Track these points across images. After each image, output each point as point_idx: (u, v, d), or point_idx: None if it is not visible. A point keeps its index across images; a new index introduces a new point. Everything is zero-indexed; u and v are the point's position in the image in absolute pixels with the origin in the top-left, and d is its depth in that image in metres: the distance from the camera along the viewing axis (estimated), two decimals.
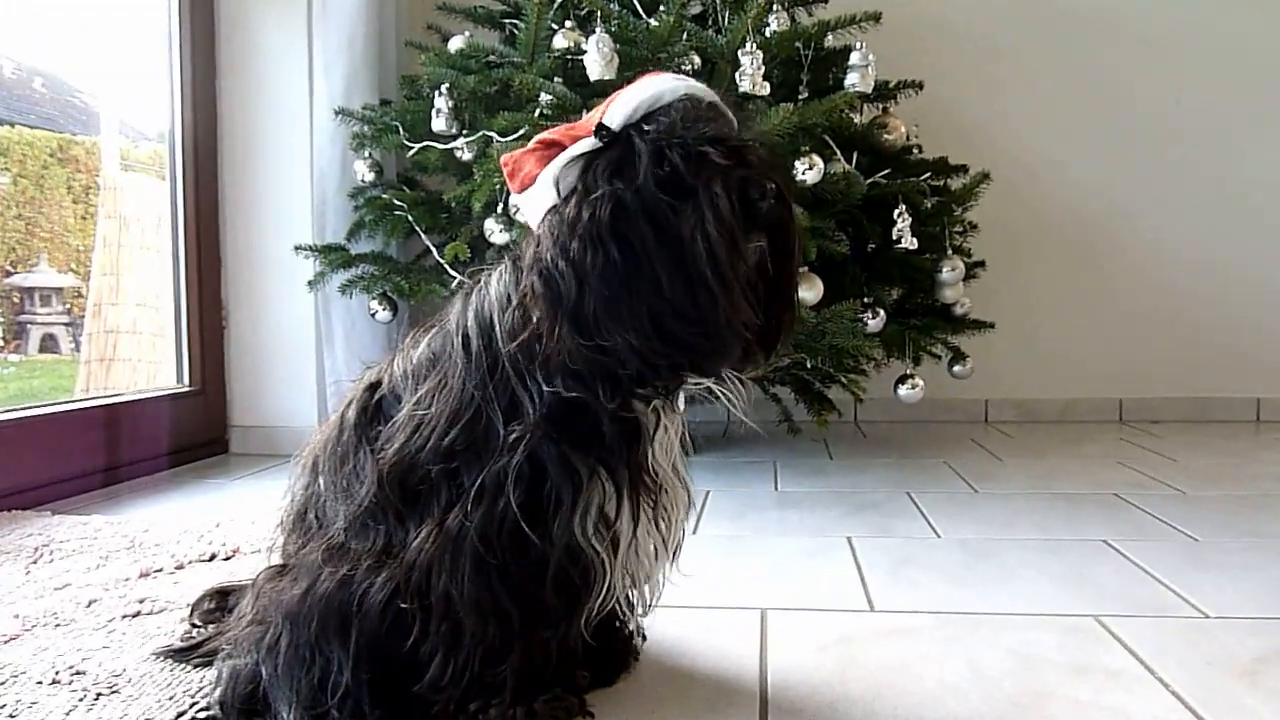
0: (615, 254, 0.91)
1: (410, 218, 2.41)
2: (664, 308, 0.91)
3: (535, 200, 0.99)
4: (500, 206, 2.17)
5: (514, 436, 0.97)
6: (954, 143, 2.98)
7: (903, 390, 2.47)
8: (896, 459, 2.53)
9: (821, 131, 2.17)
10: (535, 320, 0.96)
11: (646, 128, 0.94)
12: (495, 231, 2.15)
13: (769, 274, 0.98)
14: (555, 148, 0.97)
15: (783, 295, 1.00)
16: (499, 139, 2.14)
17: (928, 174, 2.47)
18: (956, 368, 2.59)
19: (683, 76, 0.99)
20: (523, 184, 1.00)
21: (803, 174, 2.05)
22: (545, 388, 0.98)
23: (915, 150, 2.56)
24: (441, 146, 2.32)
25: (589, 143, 0.96)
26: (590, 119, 0.98)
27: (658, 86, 0.96)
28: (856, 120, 2.34)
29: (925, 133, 2.77)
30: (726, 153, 0.94)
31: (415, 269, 2.46)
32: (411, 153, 2.40)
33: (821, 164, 2.07)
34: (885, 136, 2.35)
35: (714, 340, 0.93)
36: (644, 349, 0.93)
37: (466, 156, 2.27)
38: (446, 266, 2.30)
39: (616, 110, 0.96)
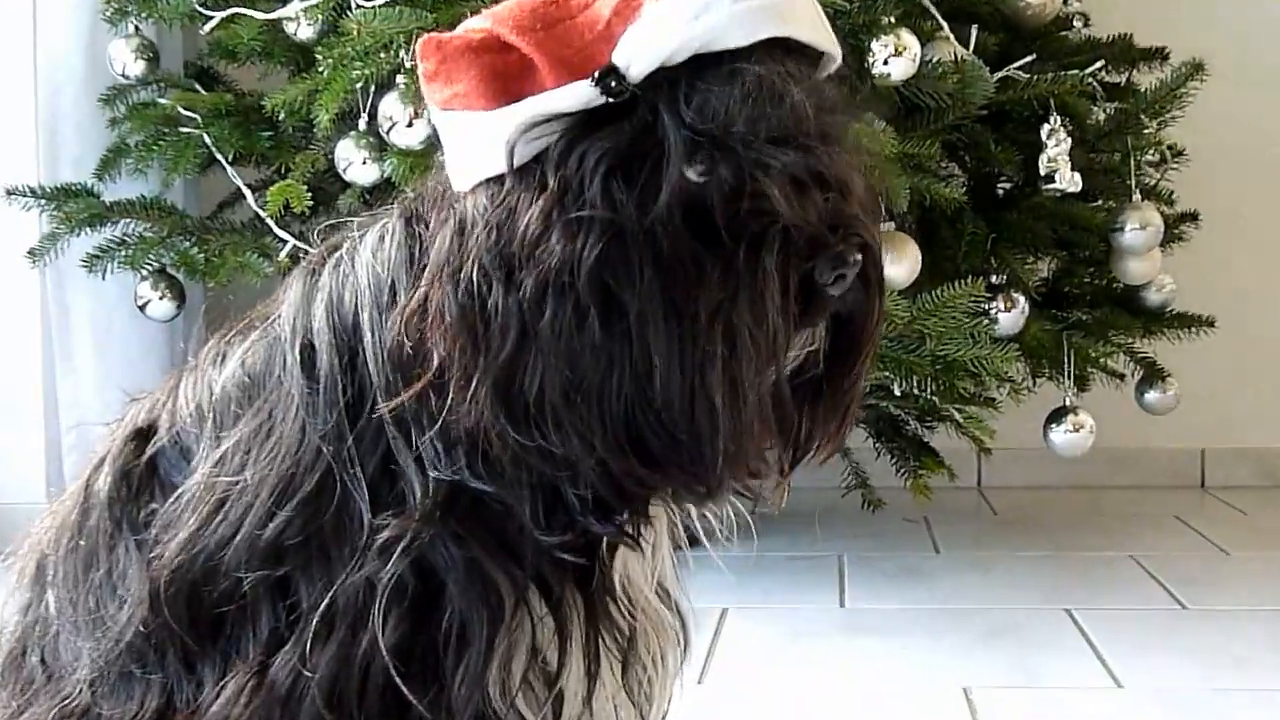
0: (593, 318, 0.92)
1: (208, 138, 2.40)
2: (648, 414, 0.93)
3: (467, 142, 0.99)
4: (365, 118, 2.17)
5: (390, 529, 0.98)
6: (1144, 11, 2.99)
7: (1058, 434, 2.48)
8: (1048, 551, 2.55)
9: None
10: (435, 360, 0.96)
11: (687, 102, 0.93)
12: (356, 163, 2.16)
13: (820, 376, 1.01)
14: (520, 62, 0.96)
15: (835, 405, 1.02)
16: (362, 2, 2.14)
17: (1099, 64, 2.49)
18: (1151, 395, 2.60)
19: None
20: (449, 103, 0.99)
21: (883, 64, 2.06)
22: (440, 466, 0.98)
23: (1078, 24, 2.58)
24: (261, 15, 2.32)
25: (582, 91, 0.94)
26: (593, 11, 0.97)
27: (717, 13, 0.94)
28: None
29: None
30: (800, 192, 0.94)
31: (217, 227, 2.45)
32: (209, 26, 2.40)
33: (916, 46, 2.09)
34: (1025, 1, 2.37)
35: (700, 475, 0.95)
36: (613, 464, 0.94)
37: (305, 33, 2.26)
38: (271, 223, 2.29)
39: (644, 38, 0.94)
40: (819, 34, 0.98)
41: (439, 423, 0.97)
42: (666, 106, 0.93)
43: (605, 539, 1.02)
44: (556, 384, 0.93)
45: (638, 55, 0.93)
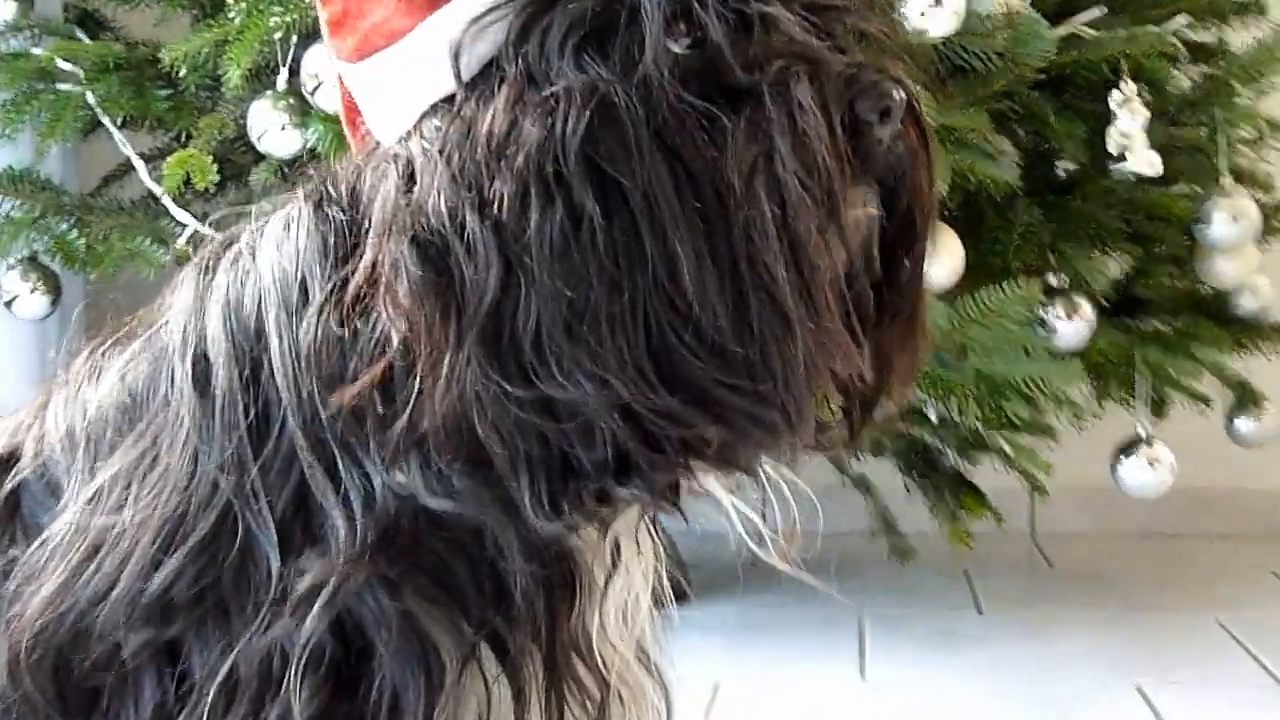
0: (592, 213, 0.92)
1: (91, 97, 2.40)
2: (682, 329, 0.92)
3: (396, 82, 0.99)
4: (285, 75, 2.17)
5: (308, 576, 0.97)
6: None
7: (1129, 470, 2.49)
8: (1115, 612, 2.55)
9: None
10: (393, 343, 0.96)
11: None
12: (273, 129, 2.16)
13: (880, 268, 1.00)
14: None
15: (903, 310, 1.02)
16: None
17: (1183, 19, 2.50)
18: (1243, 423, 2.61)
19: None
20: (364, 45, 1.00)
21: (919, 16, 2.07)
22: (383, 481, 0.98)
23: None
24: None
25: None
26: None
27: None
28: None
29: None
30: (818, 22, 0.95)
31: (101, 207, 2.46)
32: None
33: None
34: None
35: (775, 401, 0.94)
36: (639, 404, 0.93)
37: None
38: (168, 201, 2.29)
39: None
40: None
41: (389, 430, 0.97)
42: None
43: (601, 531, 1.03)
44: (558, 315, 0.92)
45: None
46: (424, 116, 0.97)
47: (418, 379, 0.95)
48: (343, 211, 1.01)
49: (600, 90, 0.92)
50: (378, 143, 1.01)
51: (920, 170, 1.00)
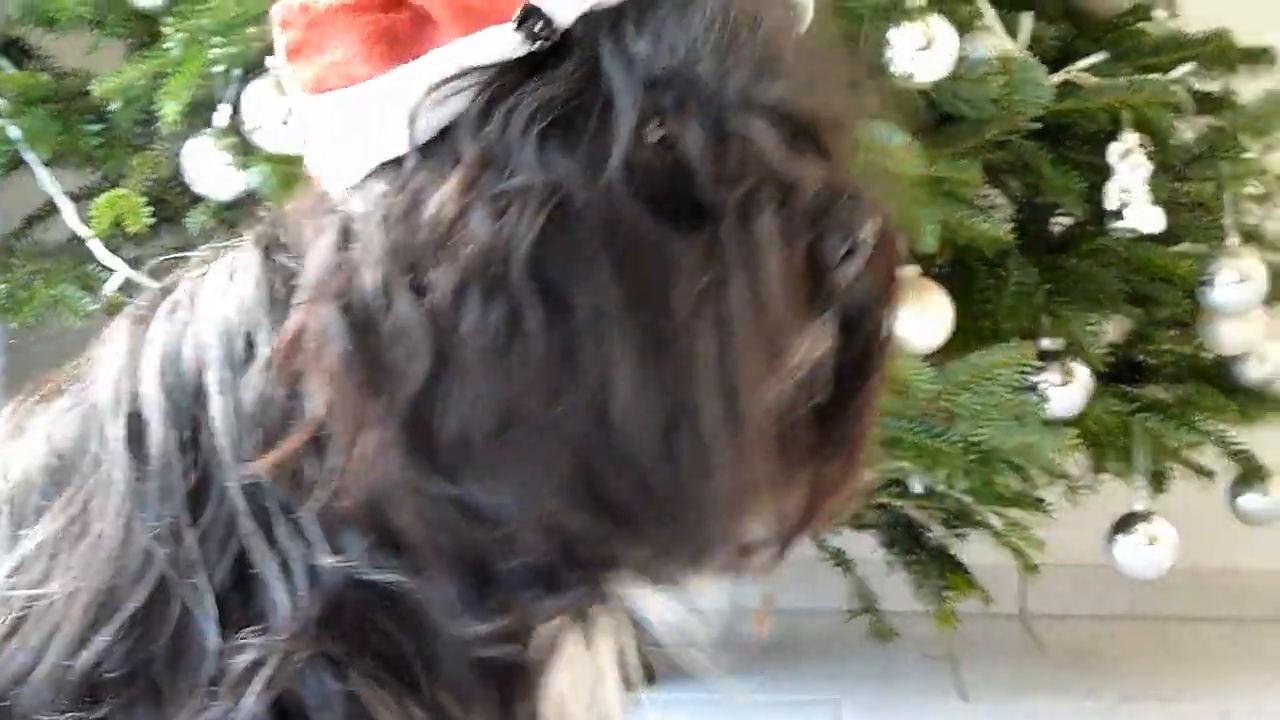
0: (533, 321, 0.92)
1: (15, 131, 2.40)
2: (608, 449, 0.93)
3: (346, 127, 0.99)
4: (225, 112, 2.17)
5: (246, 657, 0.97)
6: (1244, 1, 3.03)
7: (1127, 548, 2.49)
8: (1111, 701, 2.56)
9: None
10: (317, 409, 0.96)
11: (635, 37, 0.95)
12: (212, 170, 2.16)
13: (829, 394, 1.02)
14: (413, 18, 0.97)
15: (844, 439, 1.04)
16: None
17: (1188, 67, 2.52)
18: (1248, 499, 2.61)
19: None
20: (319, 81, 1.00)
21: (908, 60, 2.08)
22: (321, 556, 0.98)
23: (1161, 14, 2.61)
24: None
25: (501, 39, 0.95)
26: None
27: None
28: None
29: None
30: (795, 141, 0.96)
31: (23, 249, 2.46)
32: None
33: (953, 38, 2.11)
34: None
35: (684, 530, 0.96)
36: (560, 520, 0.94)
37: None
38: (97, 245, 2.28)
39: None
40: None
41: (319, 500, 0.97)
42: (610, 46, 0.95)
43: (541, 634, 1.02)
44: (484, 418, 0.92)
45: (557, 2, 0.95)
46: (371, 174, 0.97)
47: (337, 454, 0.95)
48: (293, 260, 1.01)
49: (559, 193, 0.93)
50: (323, 187, 1.01)
51: (883, 308, 1.02)
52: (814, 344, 0.99)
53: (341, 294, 0.94)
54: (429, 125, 0.96)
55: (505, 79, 0.95)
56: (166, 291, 1.07)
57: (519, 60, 0.95)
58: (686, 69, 0.94)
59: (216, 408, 1.01)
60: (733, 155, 0.95)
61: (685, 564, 0.99)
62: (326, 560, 0.98)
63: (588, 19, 0.95)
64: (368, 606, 0.99)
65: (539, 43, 0.95)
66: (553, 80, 0.94)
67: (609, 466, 0.93)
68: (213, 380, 1.01)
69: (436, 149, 0.96)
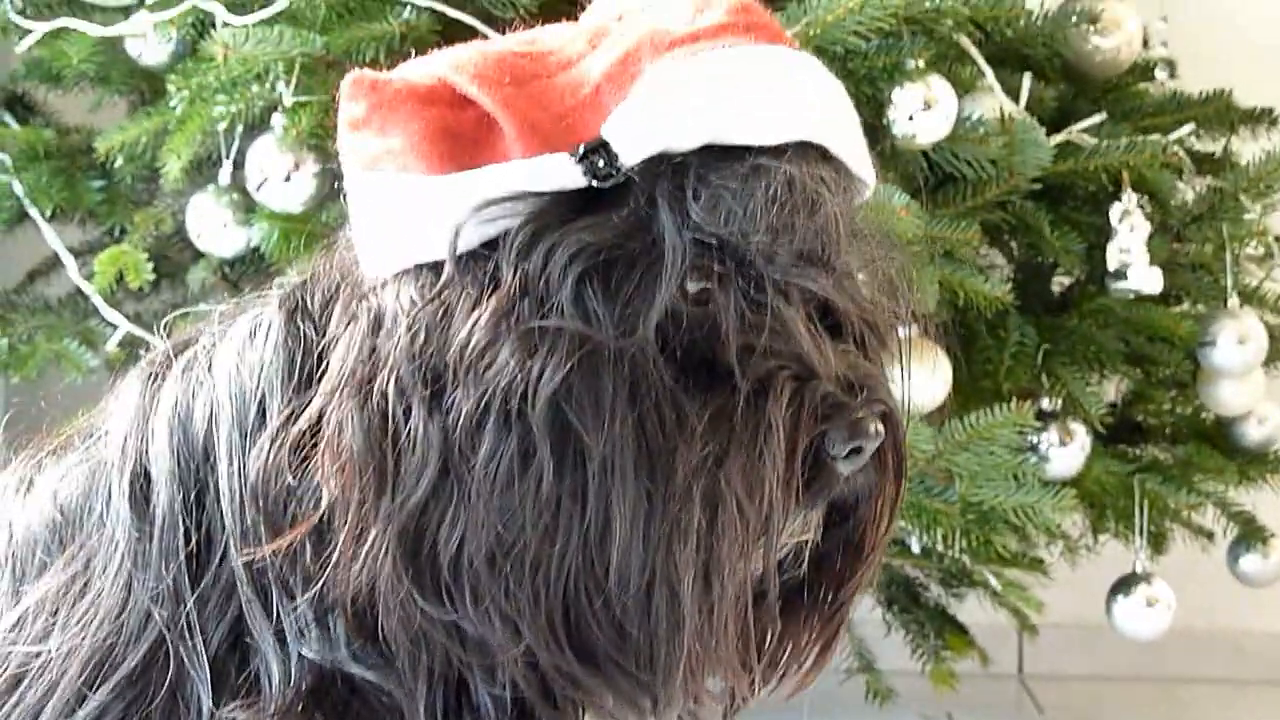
0: (545, 462, 0.93)
1: (19, 186, 2.40)
2: (595, 595, 0.94)
3: (393, 214, 0.99)
4: (228, 169, 2.17)
5: None
6: (1245, 62, 3.04)
7: (1126, 609, 2.48)
8: None
9: (952, 25, 2.22)
10: (323, 500, 0.97)
11: (695, 196, 0.95)
12: (214, 226, 2.16)
13: (804, 579, 1.05)
14: (478, 122, 0.96)
15: (821, 621, 1.07)
16: (231, 19, 2.15)
17: (1188, 128, 2.53)
18: (1248, 560, 2.60)
19: (799, 63, 1.00)
20: (375, 161, 1.00)
21: (908, 120, 2.09)
22: (308, 642, 0.98)
23: (1161, 75, 2.62)
24: (97, 30, 2.32)
25: (560, 168, 0.95)
26: (578, 71, 0.98)
27: (742, 97, 0.97)
28: (1031, 6, 2.39)
29: (1181, 39, 2.84)
30: (824, 331, 0.99)
31: (25, 304, 2.46)
32: (27, 42, 2.40)
33: (952, 99, 2.11)
34: (1094, 44, 2.40)
35: (647, 684, 0.97)
36: (542, 656, 0.95)
37: (153, 55, 2.27)
38: (99, 300, 2.29)
39: (645, 113, 0.95)
40: (855, 154, 1.02)
41: (314, 585, 0.97)
42: (667, 199, 0.95)
43: None
44: (482, 543, 0.93)
45: (635, 133, 0.94)
46: (408, 271, 0.97)
47: (338, 546, 0.96)
48: (316, 330, 1.02)
49: (591, 340, 0.93)
50: (359, 266, 1.01)
51: (880, 503, 1.04)
52: (802, 528, 1.01)
53: (364, 390, 0.95)
54: (472, 239, 0.96)
55: (557, 211, 0.95)
56: (181, 348, 1.07)
57: (572, 194, 0.95)
58: (738, 238, 0.95)
59: (224, 471, 1.01)
60: (763, 331, 0.96)
61: (645, 711, 1.00)
62: (310, 648, 0.98)
63: (651, 164, 0.95)
64: (357, 686, 0.99)
65: (598, 181, 0.95)
66: (603, 224, 0.94)
67: (593, 612, 0.94)
68: (222, 443, 1.01)
69: (475, 263, 0.96)
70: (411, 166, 0.97)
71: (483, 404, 0.92)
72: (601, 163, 0.94)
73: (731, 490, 0.94)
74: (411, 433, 0.93)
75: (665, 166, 0.95)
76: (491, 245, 0.96)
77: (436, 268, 0.96)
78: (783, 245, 0.96)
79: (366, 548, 0.94)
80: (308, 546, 0.98)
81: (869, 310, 1.02)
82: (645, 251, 0.94)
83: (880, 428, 0.98)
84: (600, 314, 0.94)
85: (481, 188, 0.95)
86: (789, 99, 0.97)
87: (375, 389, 0.94)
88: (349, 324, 0.98)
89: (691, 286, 0.95)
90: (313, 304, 1.03)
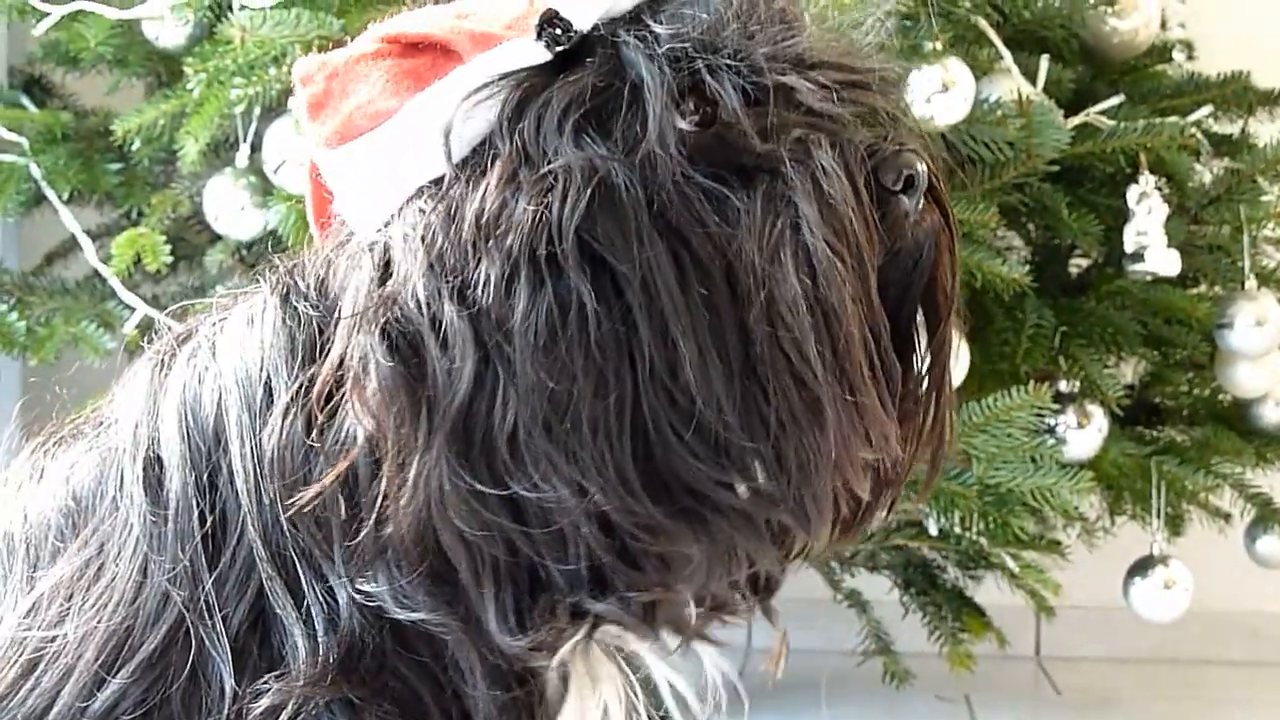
0: (586, 300, 0.92)
1: (36, 170, 2.40)
2: (681, 427, 0.93)
3: (379, 166, 1.00)
4: (245, 151, 2.18)
5: (264, 701, 0.97)
6: (1264, 43, 3.03)
7: (1143, 591, 2.48)
8: None
9: (970, 6, 2.21)
10: (356, 441, 0.96)
11: (655, 27, 0.97)
12: (232, 209, 2.16)
13: (906, 338, 1.04)
14: (434, 57, 0.97)
15: (928, 388, 1.06)
16: (248, 1, 2.15)
17: (1206, 110, 2.52)
18: (1266, 542, 2.61)
19: None
20: (347, 128, 1.01)
21: (925, 103, 2.08)
22: (348, 596, 0.98)
23: (1179, 57, 2.62)
24: (115, 13, 2.33)
25: (525, 49, 0.96)
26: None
27: None
28: None
29: (1199, 20, 2.83)
30: (836, 88, 0.98)
31: (43, 286, 2.46)
32: (44, 25, 2.40)
33: (970, 81, 2.11)
34: (1111, 26, 2.40)
35: (787, 500, 0.95)
36: (619, 514, 0.93)
37: (170, 38, 2.28)
38: (116, 283, 2.29)
39: None
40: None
41: (348, 532, 0.97)
42: (630, 36, 0.96)
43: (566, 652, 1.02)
44: (537, 410, 0.92)
45: (576, 6, 0.97)
46: (408, 202, 0.98)
47: (383, 481, 0.95)
48: (312, 307, 1.02)
49: (600, 170, 0.93)
50: (350, 234, 1.02)
51: (944, 251, 1.04)
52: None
53: (381, 314, 0.95)
54: (464, 138, 0.97)
55: (535, 82, 0.96)
56: (185, 336, 1.07)
57: (543, 67, 0.97)
58: (710, 40, 0.96)
59: (235, 453, 1.01)
60: (774, 108, 0.96)
61: (754, 555, 0.99)
62: (351, 598, 0.98)
63: (611, 24, 0.97)
64: (387, 653, 0.99)
65: (560, 46, 0.96)
66: (582, 76, 0.96)
67: (683, 445, 0.93)
68: (232, 425, 1.02)
69: (474, 159, 0.97)
70: (384, 108, 0.99)
71: (509, 267, 0.92)
72: (563, 32, 0.96)
73: (820, 240, 0.93)
74: (442, 331, 0.93)
75: (619, 19, 0.97)
76: (482, 143, 0.97)
77: (436, 182, 0.97)
78: (756, 30, 0.97)
79: (414, 471, 0.93)
80: (341, 499, 0.97)
81: (864, 55, 1.03)
82: (626, 87, 0.95)
83: (922, 165, 0.99)
84: (602, 150, 0.94)
85: (457, 89, 0.97)
86: None
87: (395, 309, 0.94)
88: (354, 271, 0.98)
89: (690, 121, 0.95)
90: (305, 284, 1.03)
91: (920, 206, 1.00)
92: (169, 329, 1.10)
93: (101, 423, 1.08)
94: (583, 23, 0.97)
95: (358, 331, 0.96)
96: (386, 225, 0.98)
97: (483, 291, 0.93)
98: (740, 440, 0.93)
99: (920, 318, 1.06)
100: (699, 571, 0.98)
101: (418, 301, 0.94)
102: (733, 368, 0.93)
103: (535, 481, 0.93)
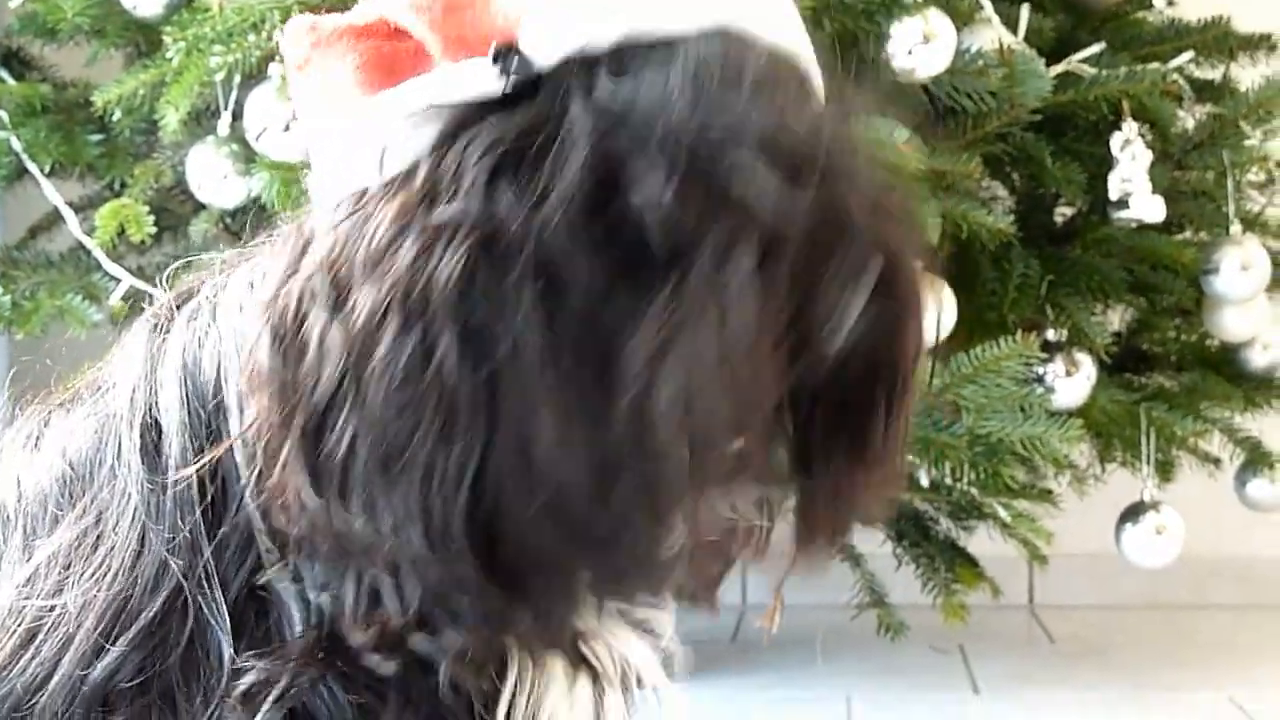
0: (450, 355, 0.90)
1: (16, 142, 2.40)
2: (525, 493, 0.90)
3: (334, 152, 0.98)
4: (227, 119, 2.18)
5: (259, 672, 0.97)
6: None
7: (1134, 537, 2.50)
8: (1123, 688, 2.56)
9: None
10: (249, 416, 0.96)
11: (609, 83, 0.91)
12: (214, 178, 2.16)
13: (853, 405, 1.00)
14: (416, 48, 0.96)
15: (872, 445, 1.01)
16: None
17: (1188, 56, 2.52)
18: (1255, 486, 2.61)
19: None
20: (316, 106, 0.99)
21: (906, 55, 2.08)
22: (317, 582, 0.98)
23: (1159, 3, 2.62)
24: None
25: (477, 73, 0.94)
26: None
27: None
28: None
29: None
30: (796, 178, 0.91)
31: (27, 260, 2.46)
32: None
33: (951, 32, 2.11)
34: None
35: (625, 560, 0.94)
36: (431, 569, 0.92)
37: (148, 8, 2.26)
38: (101, 254, 2.29)
39: (558, 14, 0.94)
40: (791, 37, 0.97)
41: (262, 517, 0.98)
42: (577, 85, 0.92)
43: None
44: (376, 442, 0.91)
45: (548, 34, 0.93)
46: (341, 200, 0.96)
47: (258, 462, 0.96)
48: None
49: (496, 224, 0.90)
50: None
51: (897, 348, 0.99)
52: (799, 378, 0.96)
53: (277, 305, 0.94)
54: (399, 156, 0.95)
55: (468, 114, 0.93)
56: (185, 297, 1.07)
57: (492, 101, 0.93)
58: (655, 108, 0.90)
59: (235, 421, 1.01)
60: (705, 196, 0.91)
61: (615, 593, 0.99)
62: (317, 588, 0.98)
63: (567, 63, 0.92)
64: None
65: (512, 80, 0.92)
66: (516, 116, 0.92)
67: (522, 511, 0.90)
68: (232, 393, 1.01)
69: (400, 180, 0.94)
70: (349, 99, 0.97)
71: (383, 301, 0.90)
72: (512, 66, 0.92)
73: (701, 365, 0.89)
74: (317, 337, 0.92)
75: (578, 64, 0.92)
76: (405, 176, 0.94)
77: (363, 197, 0.95)
78: (708, 107, 0.91)
79: (281, 458, 0.93)
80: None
81: (832, 131, 0.95)
82: (561, 143, 0.91)
83: (872, 269, 0.93)
84: (503, 201, 0.90)
85: (404, 105, 0.94)
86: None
87: (283, 299, 0.94)
88: (284, 253, 0.98)
89: (614, 188, 0.90)
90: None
91: (850, 325, 0.94)
92: (165, 291, 1.09)
93: (98, 388, 1.07)
94: (542, 60, 0.93)
95: (258, 314, 0.96)
96: (323, 212, 0.98)
97: (357, 315, 0.92)
98: (582, 528, 0.92)
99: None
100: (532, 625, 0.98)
101: (305, 294, 0.93)
102: (588, 458, 0.91)
103: (362, 510, 0.92)
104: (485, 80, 0.92)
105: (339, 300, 0.92)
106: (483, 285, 0.90)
